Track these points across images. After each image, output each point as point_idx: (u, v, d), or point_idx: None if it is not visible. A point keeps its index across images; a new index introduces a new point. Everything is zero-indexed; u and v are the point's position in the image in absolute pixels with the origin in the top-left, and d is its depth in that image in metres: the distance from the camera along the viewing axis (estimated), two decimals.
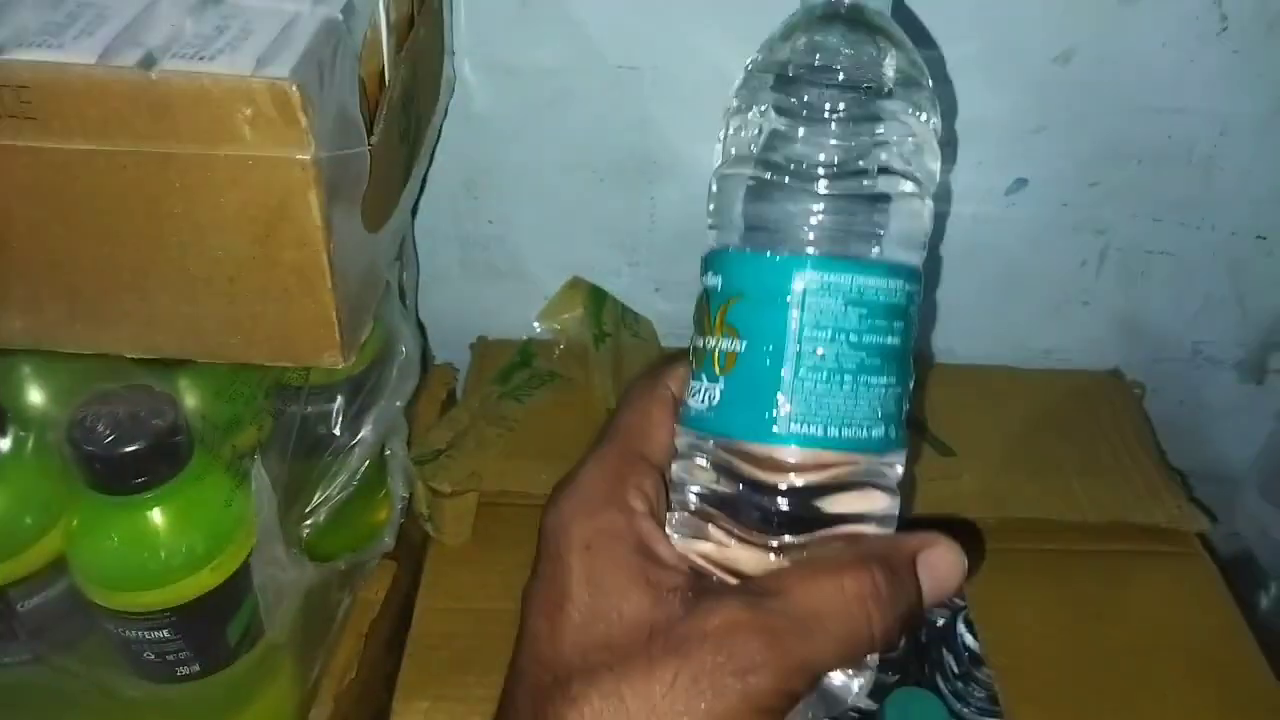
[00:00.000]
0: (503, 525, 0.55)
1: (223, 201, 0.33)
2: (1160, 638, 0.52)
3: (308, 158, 0.32)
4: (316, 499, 0.45)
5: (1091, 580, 0.55)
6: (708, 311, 0.29)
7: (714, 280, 0.29)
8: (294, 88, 0.31)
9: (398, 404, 0.48)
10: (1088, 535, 0.56)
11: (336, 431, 0.45)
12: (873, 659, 0.29)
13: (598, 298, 0.66)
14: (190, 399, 0.39)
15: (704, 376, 0.29)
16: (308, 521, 0.45)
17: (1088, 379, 0.65)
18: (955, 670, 0.55)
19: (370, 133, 0.38)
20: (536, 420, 0.61)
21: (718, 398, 0.28)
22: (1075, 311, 0.65)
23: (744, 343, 0.28)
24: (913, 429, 0.62)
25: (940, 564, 0.29)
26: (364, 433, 0.46)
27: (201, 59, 0.31)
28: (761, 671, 0.26)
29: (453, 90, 0.56)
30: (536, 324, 0.67)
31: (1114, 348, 0.67)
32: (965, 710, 0.55)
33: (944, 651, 0.56)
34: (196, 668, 0.40)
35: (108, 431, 0.35)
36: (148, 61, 0.32)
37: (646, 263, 0.65)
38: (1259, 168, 0.58)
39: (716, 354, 0.28)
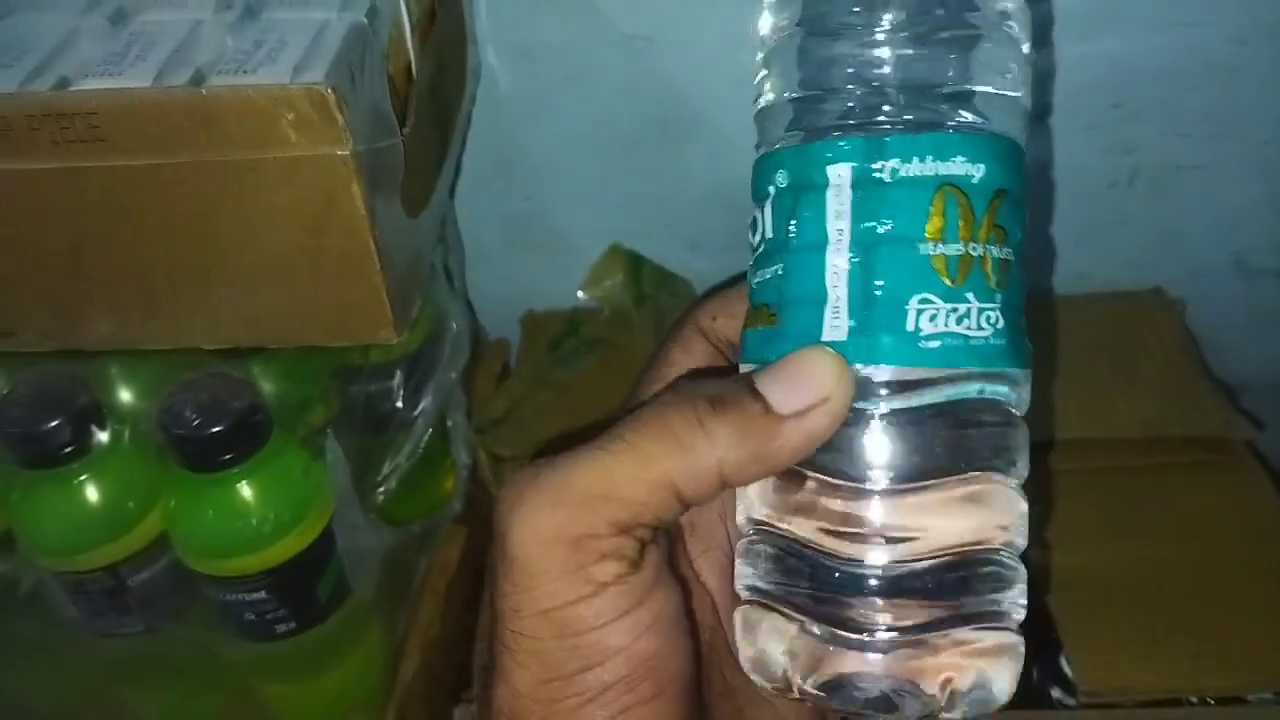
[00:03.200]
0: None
1: (275, 200, 0.36)
2: (1211, 545, 0.53)
3: (347, 153, 0.35)
4: (386, 468, 0.48)
5: (1140, 494, 0.55)
6: (968, 207, 0.23)
7: (971, 168, 0.23)
8: (329, 90, 0.34)
9: (453, 375, 0.51)
10: (1133, 451, 0.57)
11: (399, 405, 0.49)
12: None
13: (636, 263, 0.68)
14: (263, 383, 0.43)
15: (972, 293, 0.23)
16: (380, 489, 0.48)
17: (1128, 299, 0.66)
18: None
19: (402, 124, 0.40)
20: (587, 384, 0.64)
21: (1000, 321, 0.23)
22: (1111, 233, 0.66)
23: (1011, 251, 0.24)
24: None
25: (786, 365, 0.23)
26: (424, 404, 0.49)
27: (244, 72, 0.35)
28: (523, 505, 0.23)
29: (478, 77, 0.58)
30: (580, 293, 0.70)
31: (1153, 266, 0.67)
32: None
33: None
34: (293, 625, 0.44)
35: (194, 416, 0.39)
36: (197, 79, 0.35)
37: (680, 223, 0.67)
38: None
39: (990, 262, 0.23)
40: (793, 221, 0.24)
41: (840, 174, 0.23)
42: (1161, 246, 0.66)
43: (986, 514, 0.25)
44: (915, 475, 0.24)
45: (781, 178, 0.24)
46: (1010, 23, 0.24)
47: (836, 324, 0.23)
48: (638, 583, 0.24)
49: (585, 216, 0.68)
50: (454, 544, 0.59)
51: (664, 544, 0.25)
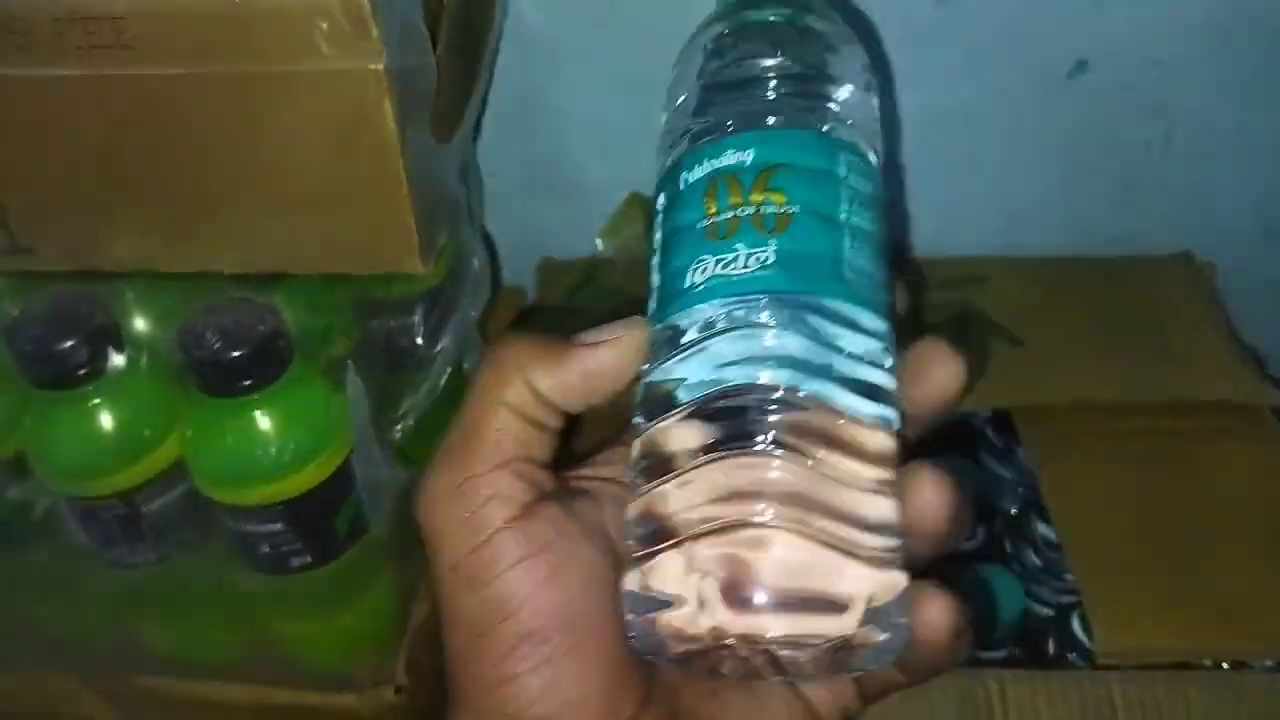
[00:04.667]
0: (577, 428, 0.58)
1: (305, 116, 0.35)
2: (1235, 512, 0.52)
3: (380, 67, 0.33)
4: (404, 406, 0.47)
5: (1165, 459, 0.55)
6: (736, 183, 0.28)
7: (740, 155, 0.29)
8: (364, 0, 0.33)
9: (473, 314, 0.50)
10: (1159, 414, 0.56)
11: (419, 341, 0.48)
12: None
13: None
14: (285, 312, 0.42)
15: (741, 243, 0.27)
16: (398, 426, 0.47)
17: (1158, 264, 0.65)
18: (1036, 564, 0.56)
19: (434, 46, 0.39)
20: None
21: (772, 258, 0.27)
22: (1143, 196, 0.64)
23: (793, 205, 0.28)
24: (982, 324, 0.63)
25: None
26: (444, 343, 0.48)
27: None
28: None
29: (506, 9, 0.57)
30: (599, 242, 0.68)
31: (1185, 231, 0.66)
32: (1040, 591, 0.56)
33: (1018, 542, 0.57)
34: (309, 559, 0.43)
35: (216, 339, 0.38)
36: None
37: None
38: None
39: (762, 218, 0.28)
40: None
41: (661, 200, 0.29)
42: (1193, 211, 0.65)
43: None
44: None
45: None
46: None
47: (652, 308, 0.28)
48: (531, 529, 0.25)
49: (607, 163, 0.66)
50: None
51: (566, 500, 0.27)
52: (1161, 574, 0.50)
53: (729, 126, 0.29)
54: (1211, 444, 0.55)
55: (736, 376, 0.25)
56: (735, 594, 0.23)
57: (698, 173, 0.28)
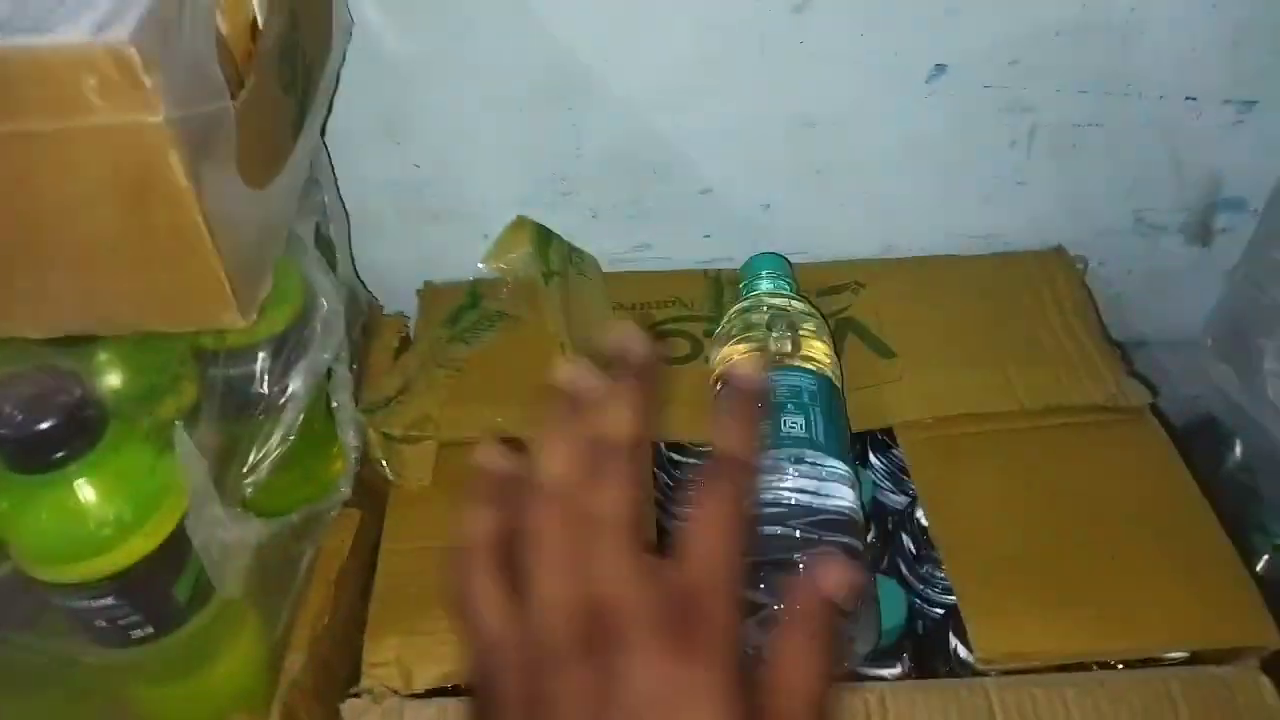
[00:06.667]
0: (459, 466, 0.56)
1: (88, 173, 0.33)
2: (1107, 506, 0.52)
3: (159, 120, 0.31)
4: (254, 457, 0.45)
5: (1036, 456, 0.55)
6: None
7: None
8: (133, 50, 0.31)
9: (324, 356, 0.48)
10: (1031, 418, 0.56)
11: (264, 390, 0.46)
12: None
13: (544, 237, 0.66)
14: (107, 373, 0.40)
15: None
16: (249, 479, 0.45)
17: (1030, 259, 0.65)
18: (914, 553, 0.56)
19: (241, 86, 0.37)
20: (486, 361, 0.61)
21: None
22: (1012, 193, 0.65)
23: None
24: (855, 332, 0.62)
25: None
26: (293, 388, 0.46)
27: (39, 32, 0.31)
28: None
29: (349, 34, 0.55)
30: (482, 265, 0.67)
31: (1056, 225, 0.66)
32: (928, 592, 0.56)
33: (903, 536, 0.57)
34: (150, 630, 0.41)
35: (17, 413, 0.36)
36: None
37: (579, 191, 0.65)
38: (1181, 27, 0.56)
39: None
40: None
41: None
42: (1063, 205, 0.65)
43: None
44: None
45: None
46: None
47: None
48: None
49: (480, 183, 0.65)
50: (344, 530, 0.57)
51: None
52: (1039, 576, 0.49)
53: None
54: (1084, 440, 0.55)
55: None
56: None
57: None
